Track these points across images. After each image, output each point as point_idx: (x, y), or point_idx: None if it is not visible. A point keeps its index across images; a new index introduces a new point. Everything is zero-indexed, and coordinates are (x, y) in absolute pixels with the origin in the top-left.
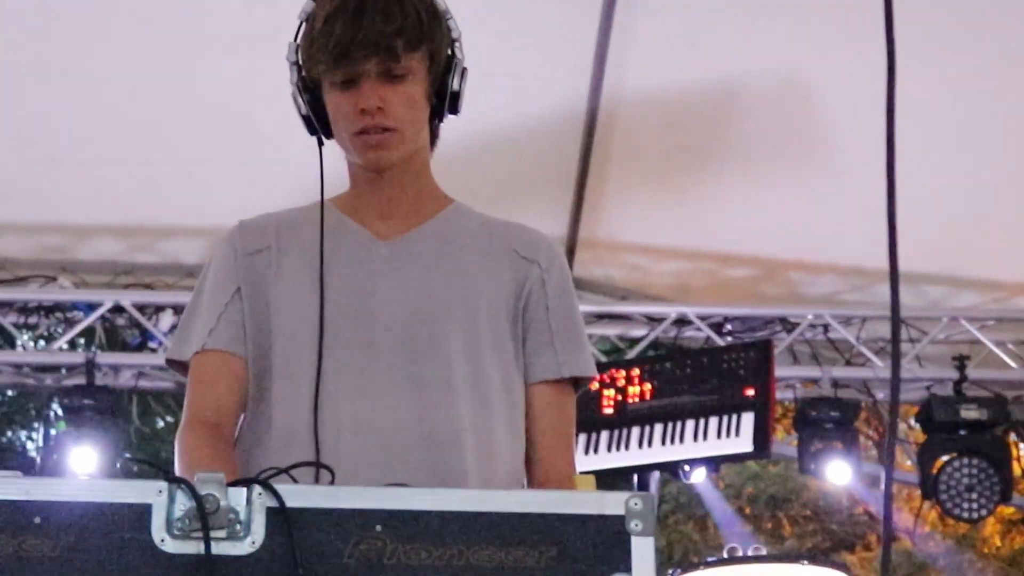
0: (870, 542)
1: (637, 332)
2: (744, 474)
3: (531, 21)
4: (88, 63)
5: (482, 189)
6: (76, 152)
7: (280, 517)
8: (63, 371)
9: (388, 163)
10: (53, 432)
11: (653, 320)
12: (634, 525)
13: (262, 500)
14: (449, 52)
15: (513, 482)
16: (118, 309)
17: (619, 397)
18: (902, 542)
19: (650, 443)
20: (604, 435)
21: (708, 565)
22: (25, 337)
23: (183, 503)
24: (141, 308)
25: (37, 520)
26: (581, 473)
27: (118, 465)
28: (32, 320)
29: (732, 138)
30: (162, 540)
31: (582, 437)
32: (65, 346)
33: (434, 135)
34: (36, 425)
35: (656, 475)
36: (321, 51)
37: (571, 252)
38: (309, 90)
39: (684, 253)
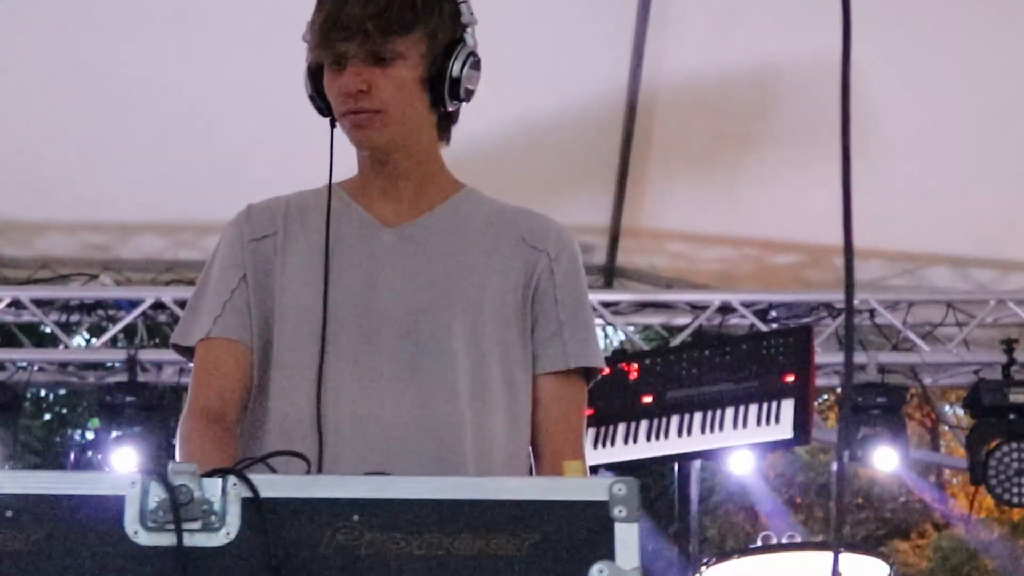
0: (925, 529)
1: (681, 320)
2: (795, 463)
3: (568, 11)
4: (123, 60)
5: (525, 181)
6: (115, 150)
7: (255, 508)
8: (105, 368)
9: (373, 144)
10: (89, 431)
11: (697, 308)
12: (618, 511)
13: (237, 491)
14: (454, 37)
15: (512, 475)
16: (160, 306)
17: (658, 386)
18: (955, 529)
19: (689, 431)
20: (644, 424)
21: (742, 554)
22: (68, 336)
23: (157, 495)
24: (183, 304)
25: (9, 514)
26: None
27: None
28: (74, 318)
29: (774, 123)
30: (135, 532)
31: (621, 426)
32: (107, 344)
33: (445, 121)
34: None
35: (697, 464)
36: (312, 32)
37: (614, 241)
38: (316, 71)
39: (728, 240)
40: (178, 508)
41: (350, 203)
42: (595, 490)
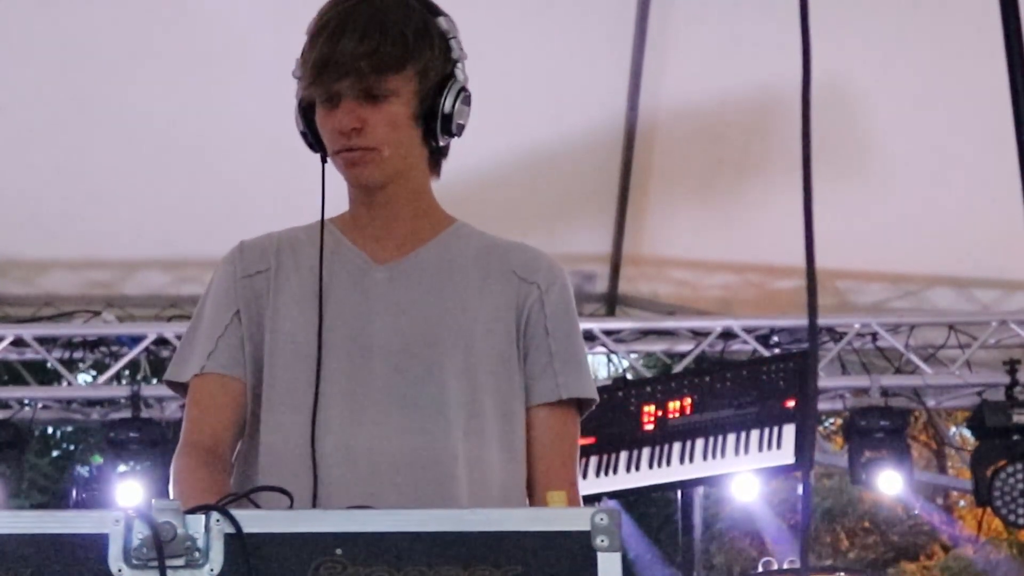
0: (932, 551)
1: (683, 347)
2: (799, 488)
3: (565, 41)
4: (126, 98)
5: (526, 211)
6: (118, 187)
7: (239, 543)
8: (109, 404)
9: (369, 181)
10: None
11: (699, 335)
12: (600, 541)
13: (220, 527)
14: (445, 72)
15: (507, 506)
16: (162, 341)
17: (660, 413)
18: (964, 549)
19: (691, 458)
20: (646, 452)
21: None
22: (72, 373)
23: (140, 532)
24: None
25: None
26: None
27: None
28: (78, 355)
29: (774, 147)
30: (119, 570)
31: (624, 454)
32: (111, 380)
33: (436, 155)
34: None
35: (700, 490)
36: (305, 69)
37: (616, 269)
38: (307, 108)
39: (729, 266)
40: (161, 545)
41: (342, 239)
42: (577, 520)
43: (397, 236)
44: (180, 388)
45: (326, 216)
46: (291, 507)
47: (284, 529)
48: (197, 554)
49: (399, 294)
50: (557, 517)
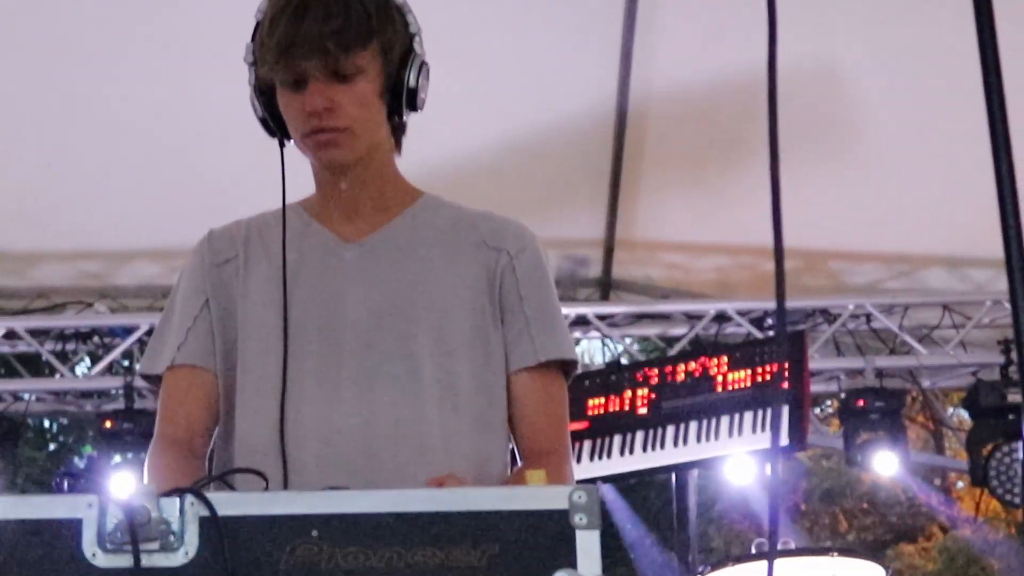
0: (931, 532)
1: (678, 331)
2: (798, 470)
3: (554, 26)
4: (114, 89)
5: (518, 197)
6: (107, 178)
7: (213, 526)
8: (103, 396)
9: (342, 161)
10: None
11: (693, 318)
12: (579, 519)
13: (195, 510)
14: (406, 47)
15: (485, 482)
16: None
17: (653, 396)
18: (962, 530)
19: (685, 441)
20: (639, 435)
21: (737, 561)
22: (64, 364)
23: (114, 516)
24: None
25: None
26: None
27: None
28: (70, 347)
29: (765, 129)
30: (93, 555)
31: (617, 438)
32: (104, 371)
33: (398, 131)
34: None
35: (695, 473)
36: (266, 52)
37: (609, 254)
38: (264, 92)
39: (723, 248)
40: (135, 529)
41: (311, 221)
42: (554, 498)
43: (365, 214)
44: (155, 380)
45: (294, 200)
46: (266, 489)
47: (259, 511)
48: (172, 537)
49: (369, 270)
50: (534, 496)
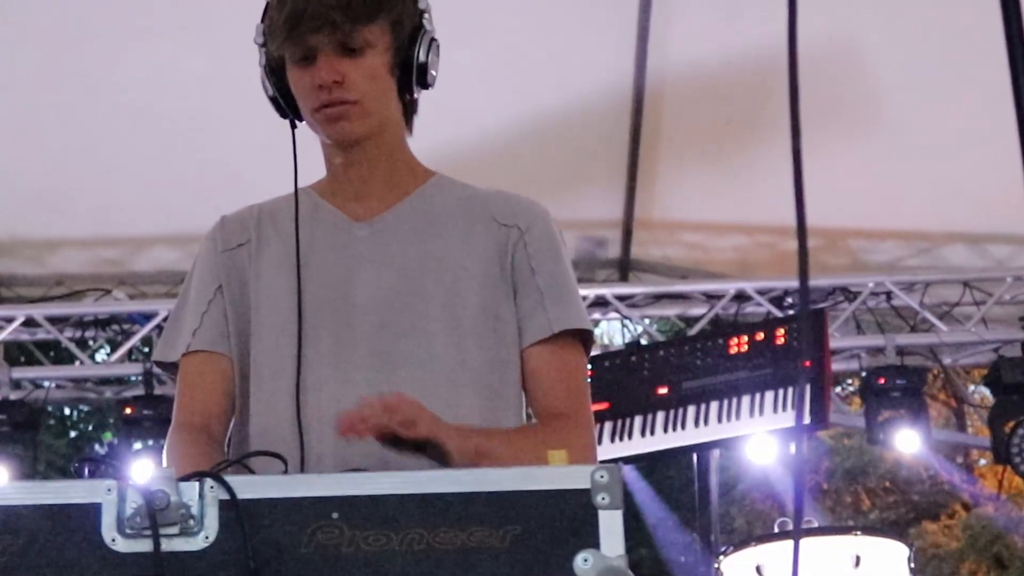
0: (954, 510)
1: (697, 311)
2: (820, 449)
3: (570, 5)
4: (131, 74)
5: (535, 178)
6: (125, 164)
7: (233, 510)
8: (122, 383)
9: (353, 135)
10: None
11: (712, 298)
12: (601, 498)
13: (214, 493)
14: (416, 23)
15: None
16: None
17: (673, 377)
18: (984, 508)
19: (706, 421)
20: (660, 416)
21: (759, 541)
22: (83, 352)
23: (134, 501)
24: None
25: None
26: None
27: None
28: (89, 334)
29: (783, 106)
30: (113, 540)
31: (638, 419)
32: (123, 358)
33: (409, 109)
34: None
35: (716, 453)
36: (276, 28)
37: (627, 234)
38: (275, 71)
39: (742, 228)
40: (155, 513)
41: (321, 203)
42: (576, 478)
43: (376, 193)
44: (170, 368)
45: (305, 184)
46: (285, 472)
47: (279, 494)
48: (192, 522)
49: (381, 249)
50: (556, 475)
